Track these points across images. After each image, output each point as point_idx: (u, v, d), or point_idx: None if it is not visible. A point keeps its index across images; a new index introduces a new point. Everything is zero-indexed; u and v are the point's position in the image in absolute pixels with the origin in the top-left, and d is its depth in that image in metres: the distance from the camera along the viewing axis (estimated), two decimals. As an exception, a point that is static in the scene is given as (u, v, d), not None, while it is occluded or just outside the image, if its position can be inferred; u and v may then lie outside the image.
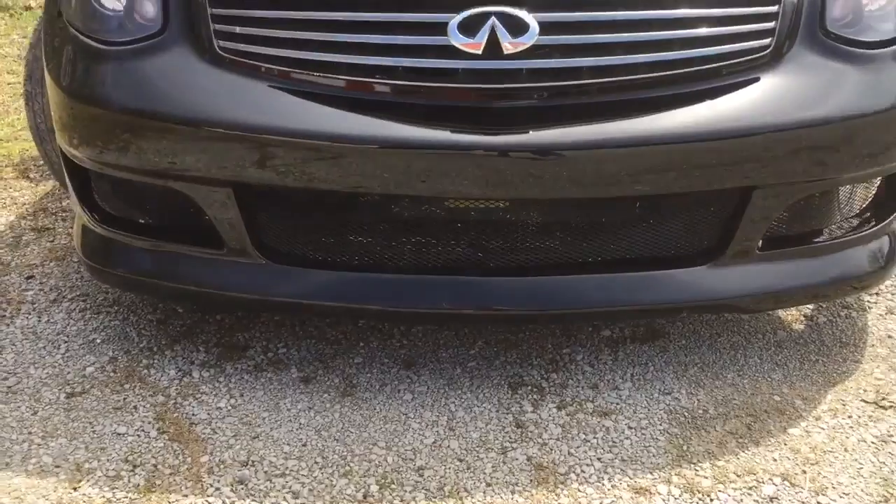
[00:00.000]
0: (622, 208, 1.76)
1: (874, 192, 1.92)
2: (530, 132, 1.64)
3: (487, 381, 1.88)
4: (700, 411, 1.79)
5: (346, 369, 1.92)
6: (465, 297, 1.74)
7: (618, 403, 1.81)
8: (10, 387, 1.87)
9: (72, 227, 2.56)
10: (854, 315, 2.11)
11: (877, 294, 2.19)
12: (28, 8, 5.68)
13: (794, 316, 2.12)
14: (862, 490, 1.57)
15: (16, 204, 2.75)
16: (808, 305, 2.13)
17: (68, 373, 1.91)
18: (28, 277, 2.31)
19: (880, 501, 1.55)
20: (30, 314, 2.14)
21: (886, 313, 2.12)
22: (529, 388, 1.86)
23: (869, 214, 1.91)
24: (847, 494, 1.56)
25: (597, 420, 1.76)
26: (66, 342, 2.03)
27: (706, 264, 1.77)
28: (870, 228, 1.88)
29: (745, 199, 1.72)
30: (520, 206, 1.75)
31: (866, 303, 2.16)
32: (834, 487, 1.58)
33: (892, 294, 2.20)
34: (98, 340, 2.03)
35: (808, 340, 2.03)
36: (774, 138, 1.68)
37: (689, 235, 1.79)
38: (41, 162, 3.03)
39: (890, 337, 2.03)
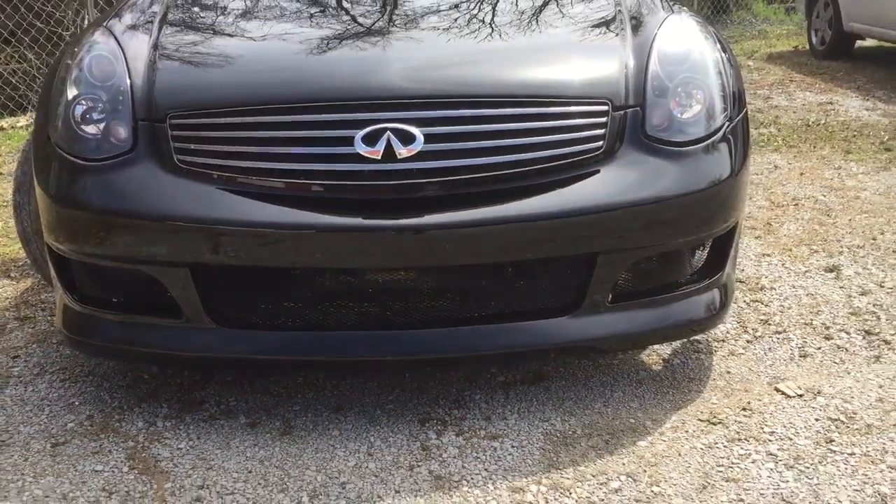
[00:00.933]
0: (497, 272, 2.24)
1: (705, 253, 2.44)
2: (422, 216, 2.11)
3: (401, 418, 2.30)
4: (570, 432, 2.22)
5: (286, 415, 2.33)
6: (377, 347, 2.19)
7: (505, 430, 2.24)
8: (3, 441, 2.25)
9: (51, 316, 2.97)
10: (702, 357, 2.59)
11: (722, 340, 2.68)
12: (0, 129, 6.16)
13: (653, 359, 2.59)
14: (686, 481, 2.01)
15: (-1, 298, 3.16)
16: (665, 349, 2.61)
17: (52, 428, 2.30)
18: (14, 357, 2.70)
19: (699, 488, 1.99)
20: (17, 385, 2.52)
21: (728, 355, 2.60)
22: (435, 421, 2.28)
23: (701, 271, 2.42)
24: (675, 485, 2.00)
25: (487, 442, 2.19)
26: (49, 405, 2.42)
27: (567, 315, 2.24)
28: (703, 282, 2.38)
29: (592, 263, 2.21)
30: (417, 273, 2.22)
31: (713, 346, 2.65)
32: (666, 481, 2.02)
33: (735, 339, 2.69)
34: (77, 403, 2.42)
35: (663, 377, 2.49)
36: (610, 215, 2.18)
37: (553, 292, 2.26)
38: (20, 263, 3.46)
39: (728, 373, 2.51)
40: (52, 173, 2.29)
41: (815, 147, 4.92)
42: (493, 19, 2.54)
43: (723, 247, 2.41)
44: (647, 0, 2.70)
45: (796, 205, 3.94)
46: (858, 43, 7.77)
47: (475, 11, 2.59)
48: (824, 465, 2.06)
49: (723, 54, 2.49)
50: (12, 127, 6.24)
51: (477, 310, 2.24)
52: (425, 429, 2.25)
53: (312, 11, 2.68)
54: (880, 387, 2.39)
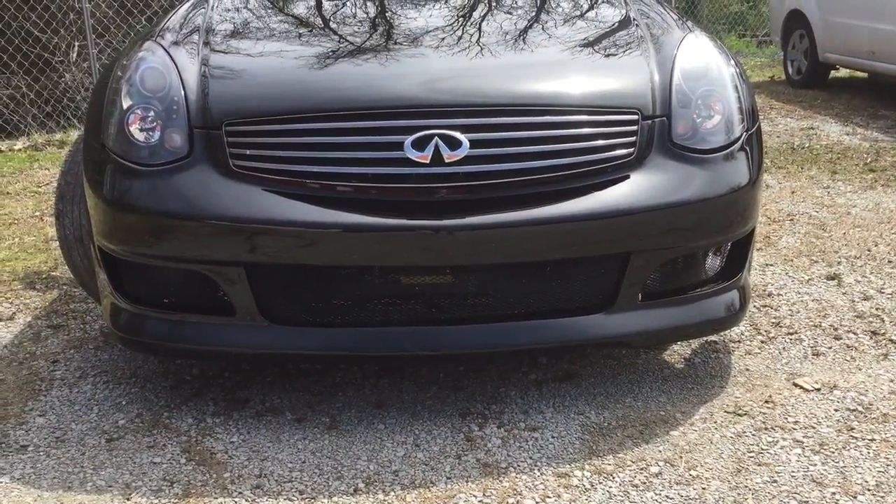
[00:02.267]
0: (536, 271, 2.36)
1: (725, 256, 2.58)
2: (467, 217, 2.23)
3: (442, 413, 2.40)
4: (605, 424, 2.34)
5: (331, 411, 2.42)
6: (422, 342, 2.29)
7: (543, 422, 2.35)
8: (58, 437, 2.31)
9: (83, 324, 3.04)
10: (721, 356, 2.73)
11: (738, 341, 2.82)
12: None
13: (675, 359, 2.72)
14: (721, 466, 2.13)
15: (28, 308, 3.21)
16: (685, 350, 2.74)
17: (104, 425, 2.36)
18: (53, 361, 2.76)
19: (734, 471, 2.11)
20: (62, 387, 2.59)
21: (745, 354, 2.74)
22: (475, 415, 2.39)
23: (722, 273, 2.56)
24: (711, 469, 2.12)
25: (528, 433, 2.29)
26: (97, 405, 2.48)
27: (602, 312, 2.37)
28: (724, 283, 2.53)
29: (625, 262, 2.34)
30: (462, 272, 2.33)
31: (730, 346, 2.78)
32: (702, 465, 2.14)
33: (750, 340, 2.83)
34: (124, 402, 2.49)
35: (687, 375, 2.62)
36: (641, 217, 2.32)
37: (588, 291, 2.39)
38: (43, 275, 3.52)
39: (748, 370, 2.64)
40: (107, 179, 2.38)
41: (802, 168, 5.13)
42: (527, 34, 2.70)
43: (741, 250, 2.56)
44: (662, 19, 2.87)
45: (791, 220, 4.12)
46: (833, 73, 8.08)
47: (512, 26, 2.75)
48: (848, 450, 2.19)
49: (736, 69, 2.66)
50: (10, 150, 6.29)
51: (517, 307, 2.36)
52: (467, 422, 2.35)
53: (357, 22, 2.82)
54: (891, 381, 2.54)
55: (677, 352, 2.75)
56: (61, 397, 2.52)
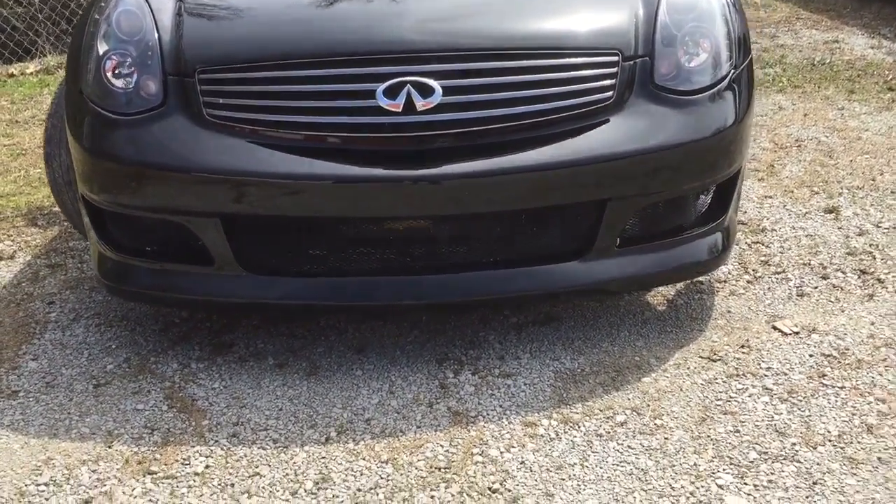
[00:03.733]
0: (511, 219, 2.36)
1: (709, 198, 2.54)
2: (440, 167, 2.22)
3: (420, 359, 2.44)
4: (578, 370, 2.37)
5: (311, 356, 2.48)
6: (397, 292, 2.32)
7: (518, 368, 2.39)
8: (48, 383, 2.40)
9: (81, 263, 3.10)
10: (704, 297, 2.72)
11: (724, 281, 2.81)
12: (11, 75, 6.21)
13: (657, 300, 2.72)
14: (687, 414, 2.17)
15: (29, 246, 3.28)
16: (669, 290, 2.74)
17: (93, 370, 2.45)
18: (49, 303, 2.84)
19: (698, 420, 2.14)
20: (55, 330, 2.67)
21: (729, 295, 2.73)
22: (452, 361, 2.43)
23: (705, 215, 2.53)
24: (676, 418, 2.15)
25: (501, 380, 2.33)
26: (87, 349, 2.56)
27: (578, 259, 2.36)
28: (707, 226, 2.49)
29: (602, 209, 2.32)
30: (435, 221, 2.33)
31: (715, 287, 2.78)
32: (668, 414, 2.17)
33: (736, 280, 2.81)
34: (114, 346, 2.57)
35: (667, 317, 2.63)
36: (619, 163, 2.28)
37: (564, 238, 2.39)
38: (46, 211, 3.58)
39: (729, 312, 2.64)
40: (85, 126, 2.39)
41: (819, 87, 4.97)
42: None
43: (726, 191, 2.52)
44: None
45: (799, 146, 4.02)
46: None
47: None
48: (816, 398, 2.21)
49: (729, 0, 2.56)
50: (22, 73, 6.28)
51: (493, 255, 2.36)
52: (443, 368, 2.40)
53: None
54: (872, 324, 2.53)
55: (661, 293, 2.75)
56: (54, 341, 2.61)
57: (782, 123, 4.37)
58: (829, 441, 2.04)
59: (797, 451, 2.01)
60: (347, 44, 2.30)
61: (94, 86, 2.38)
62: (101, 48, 2.38)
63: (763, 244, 3.05)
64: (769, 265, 2.90)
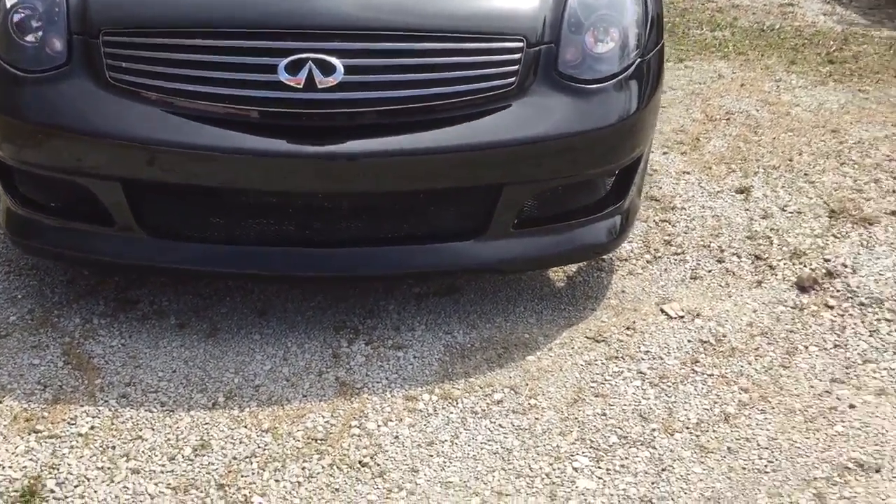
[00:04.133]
0: (409, 197, 2.41)
1: (609, 182, 2.61)
2: (339, 144, 2.26)
3: (319, 325, 2.53)
4: (469, 345, 2.47)
5: (214, 317, 2.55)
6: (294, 263, 2.38)
7: (411, 340, 2.48)
8: (-50, 332, 2.46)
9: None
10: (603, 276, 2.82)
11: (625, 259, 2.90)
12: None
13: (559, 276, 2.81)
14: (561, 395, 2.28)
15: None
16: (571, 267, 2.83)
17: (-4, 321, 2.51)
18: (-39, 248, 2.87)
19: (570, 402, 2.26)
20: (-36, 277, 2.71)
21: (627, 274, 2.83)
22: (349, 329, 2.52)
23: (605, 199, 2.60)
24: (551, 398, 2.27)
25: (392, 352, 2.43)
26: (-7, 298, 2.61)
27: (474, 239, 2.43)
28: (605, 210, 2.57)
29: (498, 192, 2.39)
30: (335, 197, 2.38)
31: (615, 265, 2.87)
32: (543, 394, 2.28)
33: (637, 259, 2.91)
34: (19, 296, 2.62)
35: (564, 294, 2.73)
36: (516, 149, 2.34)
37: (461, 218, 2.45)
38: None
39: (623, 292, 2.74)
40: (-8, 82, 2.38)
41: (762, 55, 5.01)
42: None
43: (627, 177, 2.59)
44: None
45: (728, 119, 4.08)
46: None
47: None
48: (684, 384, 2.33)
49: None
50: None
51: (390, 231, 2.43)
52: (338, 336, 2.48)
53: None
54: (754, 311, 2.65)
55: (562, 270, 2.84)
56: (-39, 289, 2.66)
57: (718, 93, 4.42)
58: (687, 428, 2.17)
59: (655, 437, 2.14)
60: (253, 16, 2.30)
61: (2, 40, 2.36)
62: (9, 0, 2.36)
63: (670, 223, 3.14)
64: (671, 245, 3.00)
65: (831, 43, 5.23)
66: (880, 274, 2.81)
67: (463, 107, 2.32)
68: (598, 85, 2.43)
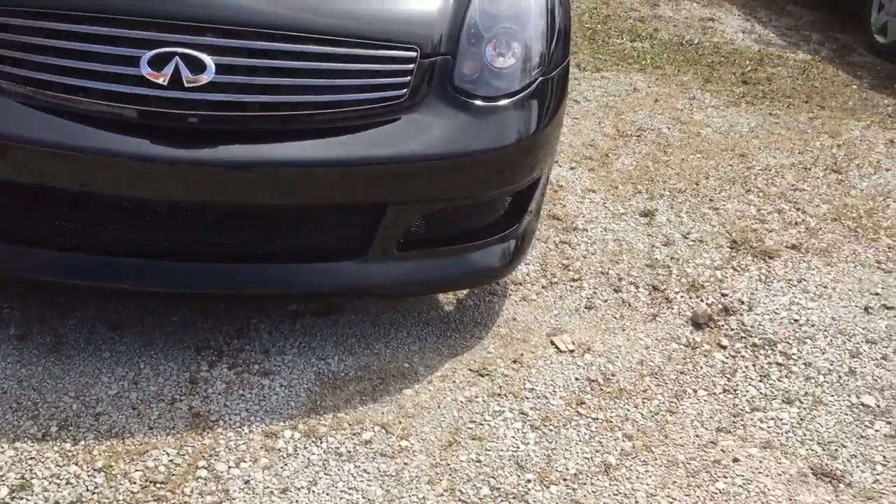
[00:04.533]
0: (282, 212, 2.20)
1: (504, 205, 2.46)
2: (204, 149, 2.03)
3: (179, 344, 2.30)
4: (342, 374, 2.29)
5: (60, 329, 2.29)
6: (150, 277, 2.14)
7: (279, 366, 2.28)
8: None
9: None
10: (496, 300, 2.67)
11: (520, 283, 2.76)
12: None
13: (448, 298, 2.65)
14: (436, 437, 2.12)
15: None
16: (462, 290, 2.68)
17: None
18: None
19: (445, 445, 2.10)
20: None
21: (520, 300, 2.69)
22: (212, 350, 2.30)
23: (498, 223, 2.44)
24: (424, 440, 2.11)
25: (257, 379, 2.23)
26: None
27: (352, 259, 2.25)
28: (498, 234, 2.42)
29: (381, 212, 2.20)
30: (199, 207, 2.15)
31: (509, 289, 2.73)
32: (416, 435, 2.12)
33: (532, 284, 2.77)
34: None
35: (451, 320, 2.57)
36: (402, 167, 2.16)
37: (339, 236, 2.25)
38: None
39: (514, 320, 2.60)
40: None
41: (679, 70, 4.95)
42: None
43: (523, 199, 2.44)
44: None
45: (639, 136, 4.00)
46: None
47: None
48: (567, 428, 2.20)
49: (557, 3, 2.43)
50: None
51: (259, 247, 2.21)
52: (199, 358, 2.26)
53: None
54: (646, 348, 2.54)
55: (453, 292, 2.68)
56: None
57: (632, 107, 4.33)
58: (564, 480, 2.04)
59: (529, 489, 2.00)
60: (115, 1, 2.05)
61: None
62: None
63: (570, 245, 3.02)
64: (569, 270, 2.87)
65: (747, 63, 5.22)
66: (775, 313, 2.75)
67: (346, 117, 2.12)
68: (496, 102, 2.26)
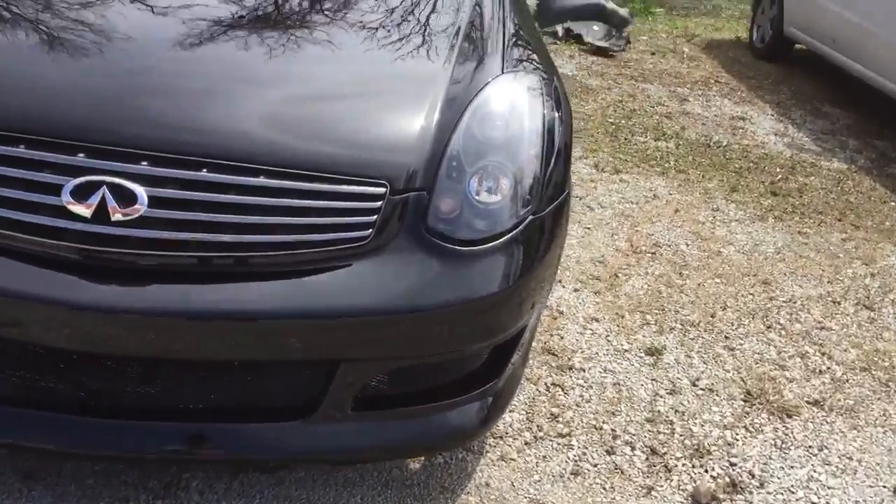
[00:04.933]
0: (218, 366, 1.92)
1: (482, 361, 2.16)
2: (131, 294, 1.77)
3: (94, 502, 2.01)
4: (277, 552, 1.98)
5: (-36, 477, 2.03)
6: (57, 435, 1.87)
7: (205, 537, 1.98)
8: None
9: None
10: (469, 459, 2.36)
11: (500, 437, 2.45)
12: None
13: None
14: None
15: None
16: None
17: None
18: None
19: None
20: None
21: (498, 459, 2.37)
22: (131, 513, 2.01)
23: (472, 379, 2.14)
24: None
25: (176, 555, 1.93)
26: None
27: (299, 420, 1.95)
28: (472, 392, 2.11)
29: (332, 369, 1.91)
30: (121, 359, 1.88)
31: (486, 445, 2.41)
32: None
33: (514, 438, 2.46)
34: None
35: (415, 482, 2.25)
36: (361, 320, 1.87)
37: (284, 394, 1.96)
38: None
39: (488, 485, 2.28)
40: None
41: (704, 176, 4.66)
42: (277, 58, 2.13)
43: (504, 352, 2.14)
44: (482, 50, 2.34)
45: (654, 253, 3.69)
46: (798, 45, 7.51)
47: (258, 45, 2.16)
48: None
49: (557, 127, 2.17)
50: None
51: (191, 404, 1.93)
52: (114, 523, 1.98)
53: (68, 20, 2.19)
54: (637, 533, 2.21)
55: (421, 444, 2.37)
56: None
57: (649, 218, 4.04)
58: None
59: None
60: (38, 121, 1.81)
61: None
62: None
63: (563, 389, 2.70)
64: (558, 422, 2.55)
65: (777, 170, 4.92)
66: (791, 492, 2.39)
67: (298, 261, 1.84)
68: (476, 247, 1.97)
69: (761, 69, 7.13)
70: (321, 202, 1.85)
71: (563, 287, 3.29)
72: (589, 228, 3.83)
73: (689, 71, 6.88)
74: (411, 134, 1.98)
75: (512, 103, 2.16)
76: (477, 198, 2.00)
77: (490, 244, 1.98)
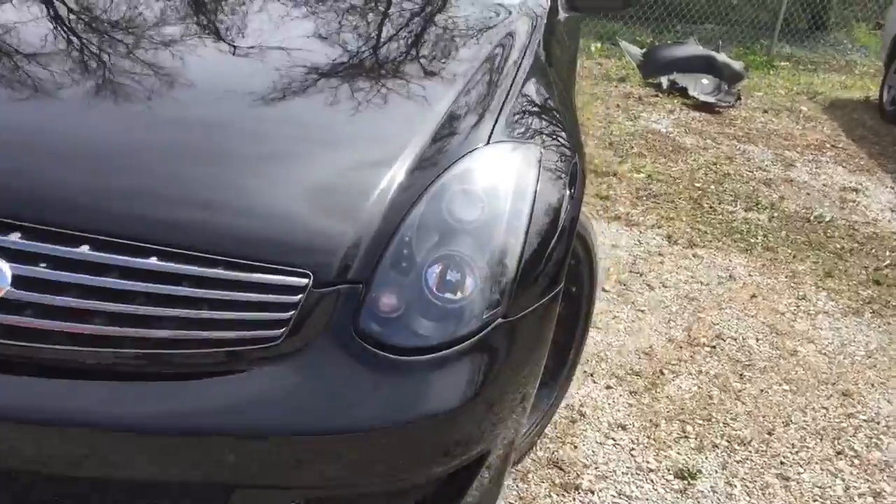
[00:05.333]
0: (83, 486, 1.61)
1: (429, 491, 1.78)
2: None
3: None
4: None
5: None
6: None
7: None
8: None
9: None
10: None
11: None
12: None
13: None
14: None
15: None
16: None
17: None
18: None
19: None
20: None
21: None
22: None
23: (424, 506, 1.77)
24: None
25: None
26: None
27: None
28: (417, 525, 1.75)
29: (223, 497, 1.58)
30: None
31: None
32: None
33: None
34: None
35: None
36: (259, 442, 1.54)
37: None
38: None
39: None
40: None
41: (795, 256, 4.09)
42: (192, 106, 1.83)
43: (456, 486, 1.76)
44: (480, 109, 1.97)
45: (713, 348, 3.19)
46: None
47: (167, 92, 1.87)
48: None
49: (554, 206, 1.79)
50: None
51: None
52: None
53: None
54: None
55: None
56: None
57: (718, 303, 3.53)
58: None
59: None
60: None
61: None
62: None
63: (560, 516, 2.27)
64: (543, 560, 2.13)
65: (887, 254, 4.27)
66: None
67: (184, 362, 1.53)
68: (418, 357, 1.60)
69: (888, 134, 6.42)
70: (224, 292, 1.54)
71: (595, 382, 2.85)
72: (642, 311, 3.37)
73: (803, 133, 6.26)
74: (352, 212, 1.64)
75: (493, 180, 1.78)
76: (435, 293, 1.64)
77: (437, 354, 1.61)
